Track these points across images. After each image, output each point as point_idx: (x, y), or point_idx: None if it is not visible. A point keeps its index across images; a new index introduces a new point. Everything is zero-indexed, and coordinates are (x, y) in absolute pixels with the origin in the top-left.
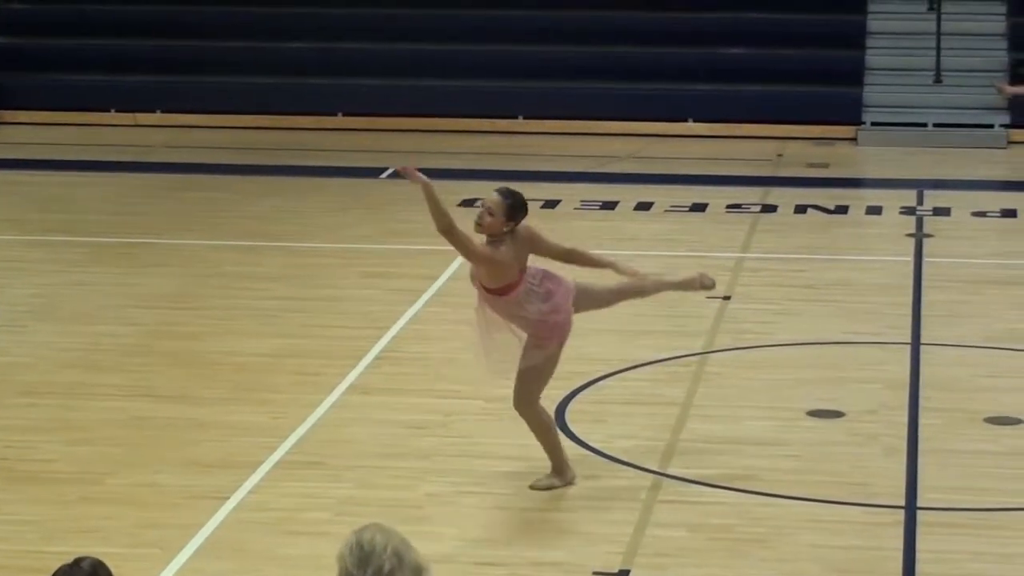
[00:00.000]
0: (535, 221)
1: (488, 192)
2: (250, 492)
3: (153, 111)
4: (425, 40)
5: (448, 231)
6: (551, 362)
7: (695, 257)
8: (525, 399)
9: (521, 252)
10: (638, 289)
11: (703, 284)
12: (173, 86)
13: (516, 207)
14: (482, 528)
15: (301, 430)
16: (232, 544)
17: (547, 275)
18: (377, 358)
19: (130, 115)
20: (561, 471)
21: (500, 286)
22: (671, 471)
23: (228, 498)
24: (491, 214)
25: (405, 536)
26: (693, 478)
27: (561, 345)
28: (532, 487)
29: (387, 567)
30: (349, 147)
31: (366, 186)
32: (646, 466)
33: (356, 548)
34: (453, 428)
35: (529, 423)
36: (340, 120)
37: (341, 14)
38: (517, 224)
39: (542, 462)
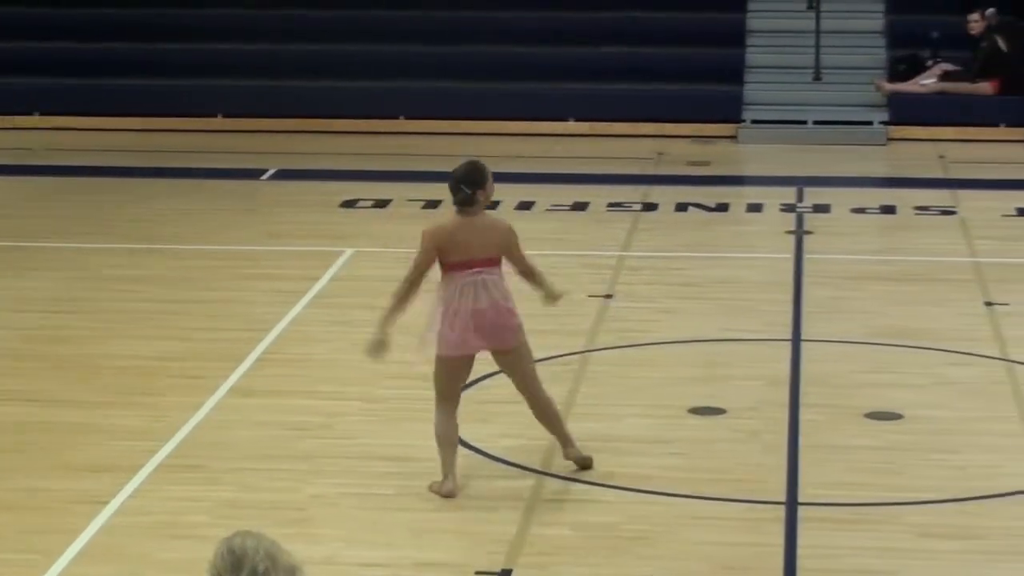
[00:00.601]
0: (422, 221)
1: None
2: (130, 496)
3: (31, 114)
4: (305, 40)
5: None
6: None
7: (576, 256)
8: None
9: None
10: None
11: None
12: (51, 88)
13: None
14: (365, 529)
15: (182, 433)
16: (112, 549)
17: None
18: (258, 360)
19: (7, 118)
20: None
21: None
22: (554, 470)
23: (108, 503)
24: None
25: (276, 540)
26: (576, 477)
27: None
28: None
29: (261, 568)
30: (230, 149)
31: (247, 188)
32: (529, 465)
33: (228, 554)
34: (335, 429)
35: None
36: (220, 122)
37: (218, 15)
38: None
39: (425, 463)
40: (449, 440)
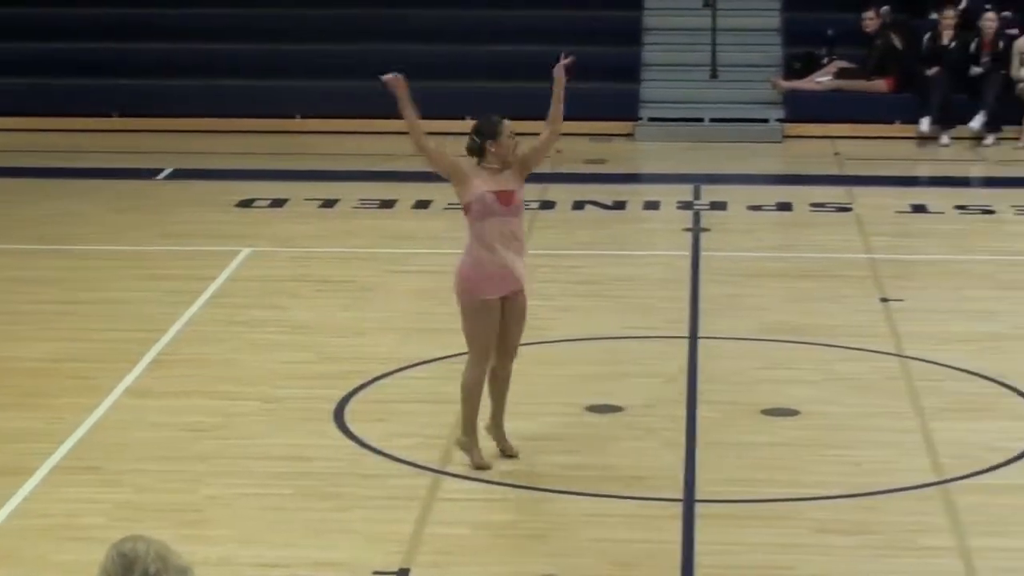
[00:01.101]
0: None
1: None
2: (26, 499)
3: None
4: (200, 39)
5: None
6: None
7: None
8: None
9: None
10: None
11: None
12: None
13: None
14: (262, 530)
15: (77, 435)
16: (7, 551)
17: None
18: (154, 361)
19: None
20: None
21: None
22: (451, 469)
23: (2, 506)
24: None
25: (166, 542)
26: (473, 475)
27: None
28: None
29: (152, 570)
30: (125, 148)
31: (142, 188)
32: (426, 464)
33: (118, 558)
34: (232, 430)
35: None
36: (115, 121)
37: (113, 13)
38: None
39: (322, 462)
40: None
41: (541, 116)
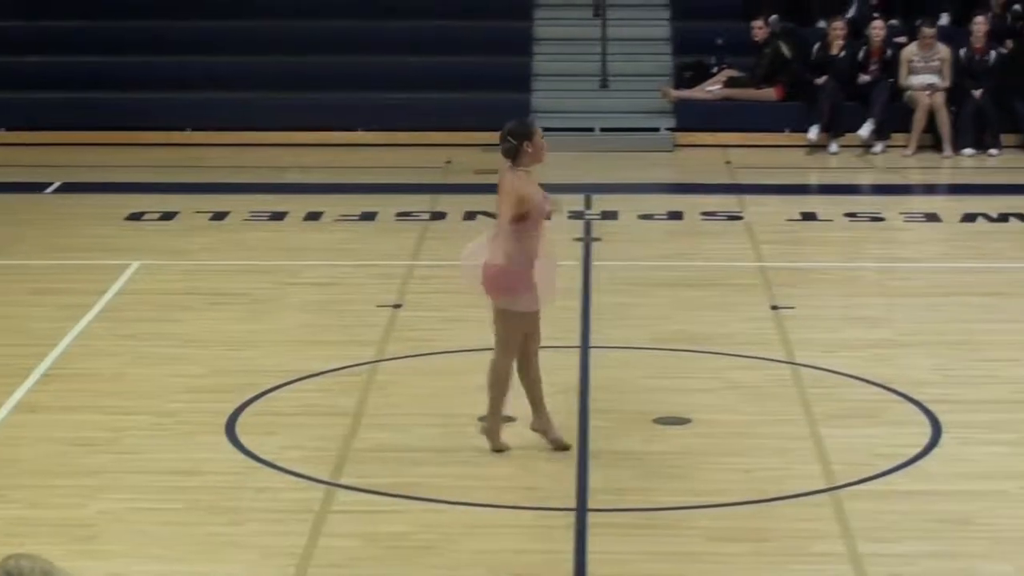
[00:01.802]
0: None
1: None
2: None
3: None
4: (90, 52)
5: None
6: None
7: (365, 266)
8: None
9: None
10: None
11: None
12: None
13: None
14: (154, 544)
15: None
16: None
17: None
18: (44, 376)
19: None
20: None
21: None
22: (344, 481)
23: None
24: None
25: (52, 560)
26: (366, 487)
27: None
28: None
29: None
30: (12, 162)
31: (30, 201)
32: (318, 476)
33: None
34: (123, 444)
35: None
36: (3, 135)
37: (3, 27)
38: None
39: (214, 476)
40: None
41: (434, 126)
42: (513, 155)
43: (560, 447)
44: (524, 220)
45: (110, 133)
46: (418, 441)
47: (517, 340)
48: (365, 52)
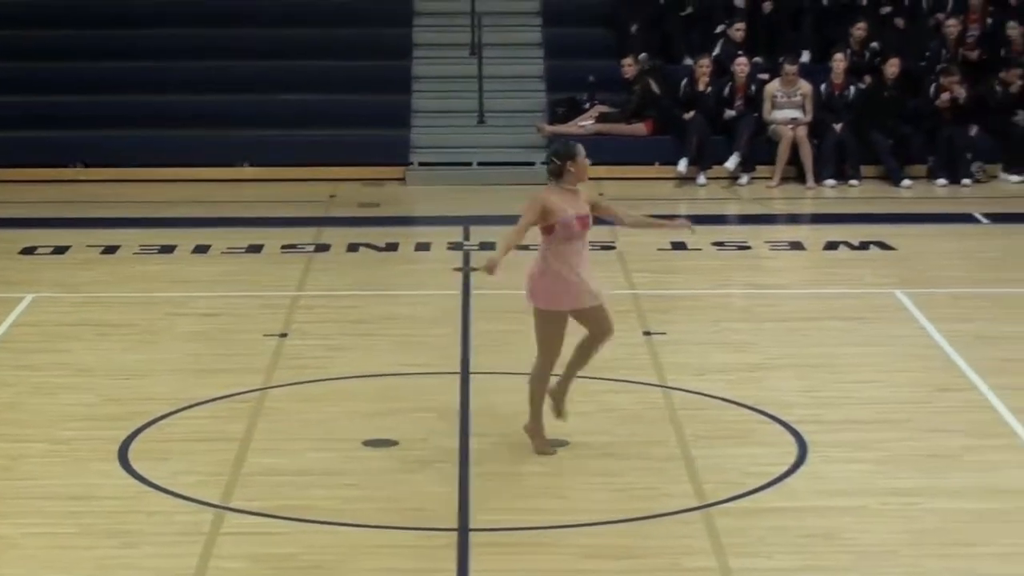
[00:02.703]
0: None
1: None
2: None
3: None
4: None
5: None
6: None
7: (252, 296)
8: None
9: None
10: None
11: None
12: None
13: None
14: (48, 569)
15: None
16: None
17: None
18: None
19: None
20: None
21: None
22: (233, 504)
23: None
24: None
25: None
26: (255, 510)
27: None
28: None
29: None
30: None
31: None
32: (208, 500)
33: None
34: (17, 471)
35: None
36: None
37: None
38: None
39: (108, 501)
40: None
41: (318, 162)
42: (558, 174)
43: (558, 415)
44: (551, 231)
45: (2, 170)
46: (305, 465)
47: (553, 346)
48: (251, 91)
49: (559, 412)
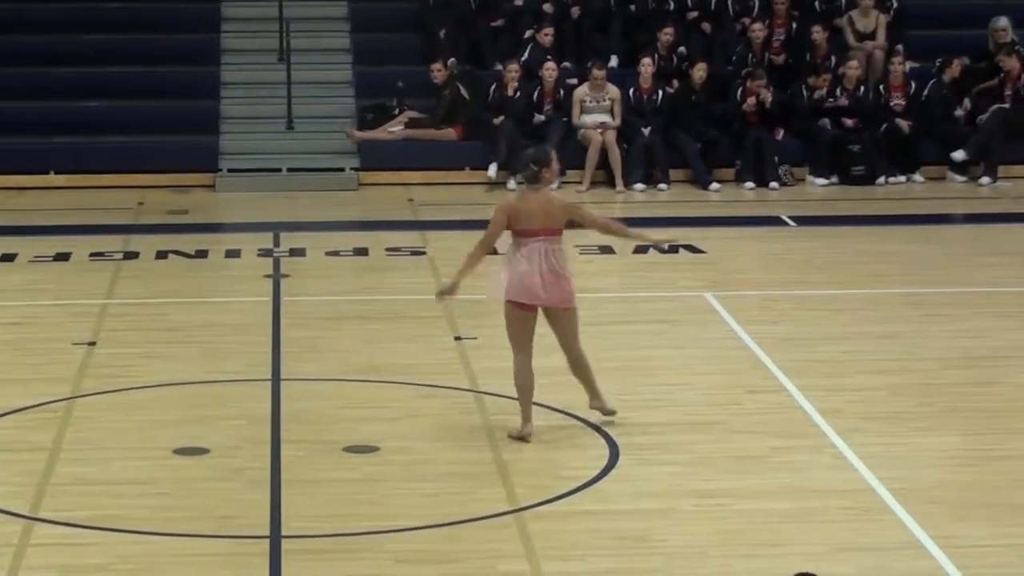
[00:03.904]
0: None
1: None
2: None
3: None
4: None
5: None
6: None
7: (60, 305)
8: None
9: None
10: None
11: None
12: None
13: None
14: None
15: None
16: None
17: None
18: None
19: None
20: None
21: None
22: (42, 514)
23: None
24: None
25: None
26: (65, 520)
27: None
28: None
29: None
30: None
31: None
32: (17, 511)
33: None
34: None
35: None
36: None
37: None
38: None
39: None
40: (526, 388)
41: (126, 169)
42: (535, 179)
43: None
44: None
45: None
46: (116, 474)
47: (516, 337)
48: (58, 98)
49: (604, 410)
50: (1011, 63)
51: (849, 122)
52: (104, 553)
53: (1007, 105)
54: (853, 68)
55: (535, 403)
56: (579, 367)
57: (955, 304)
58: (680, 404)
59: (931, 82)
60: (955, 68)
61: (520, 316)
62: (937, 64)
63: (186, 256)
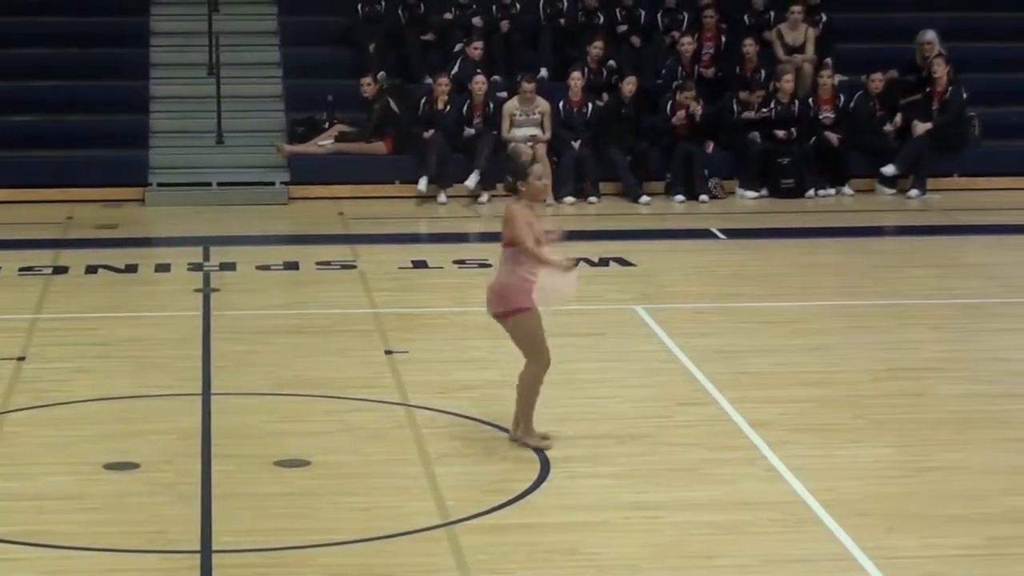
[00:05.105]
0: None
1: None
2: None
3: None
4: None
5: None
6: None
7: None
8: None
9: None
10: None
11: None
12: None
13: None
14: None
15: None
16: None
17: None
18: None
19: None
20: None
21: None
22: None
23: None
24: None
25: None
26: None
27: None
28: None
29: None
30: None
31: None
32: None
33: None
34: None
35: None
36: None
37: None
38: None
39: None
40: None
41: (55, 183)
42: (514, 191)
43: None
44: (516, 244)
45: None
46: (46, 489)
47: (541, 340)
48: None
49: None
50: (942, 71)
51: (781, 133)
52: (33, 568)
53: (935, 118)
54: (787, 82)
55: (466, 416)
56: (519, 387)
57: (885, 316)
58: (611, 417)
59: (857, 94)
60: (878, 82)
61: (539, 319)
62: (863, 78)
63: (116, 271)
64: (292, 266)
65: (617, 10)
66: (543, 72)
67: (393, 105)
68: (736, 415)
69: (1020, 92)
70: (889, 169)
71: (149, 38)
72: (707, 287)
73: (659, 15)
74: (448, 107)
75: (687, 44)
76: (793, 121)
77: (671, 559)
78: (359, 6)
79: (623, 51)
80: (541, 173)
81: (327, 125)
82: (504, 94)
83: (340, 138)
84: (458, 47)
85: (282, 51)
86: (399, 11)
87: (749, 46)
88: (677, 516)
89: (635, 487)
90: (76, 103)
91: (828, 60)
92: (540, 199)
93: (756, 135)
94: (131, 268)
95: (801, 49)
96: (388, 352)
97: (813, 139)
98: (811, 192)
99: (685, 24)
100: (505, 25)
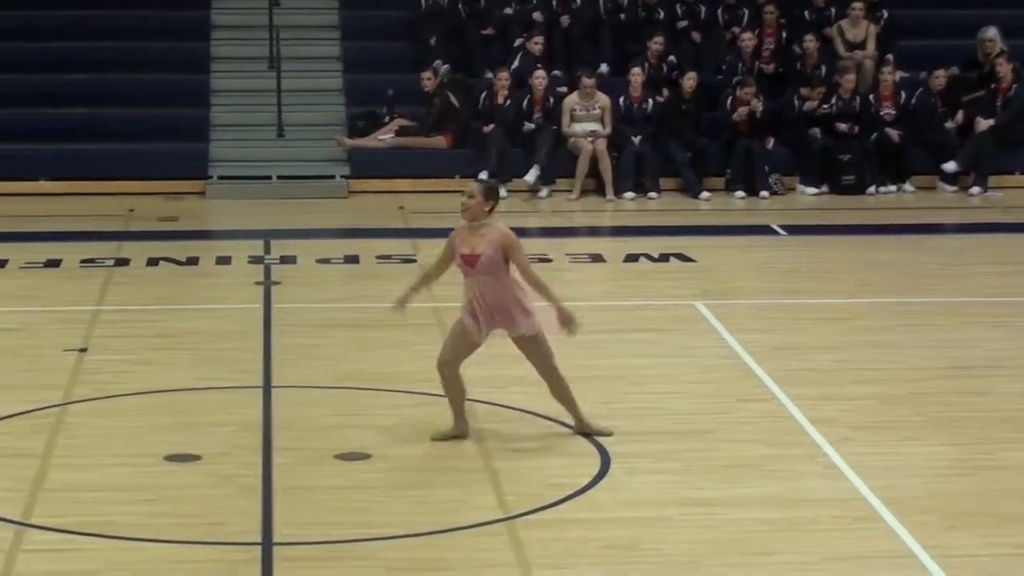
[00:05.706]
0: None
1: None
2: None
3: None
4: None
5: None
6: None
7: (51, 311)
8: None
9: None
10: None
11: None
12: None
13: (492, 190)
14: None
15: None
16: None
17: None
18: None
19: None
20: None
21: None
22: (34, 520)
23: None
24: (471, 197)
25: None
26: (56, 526)
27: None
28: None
29: None
30: None
31: None
32: (9, 517)
33: None
34: None
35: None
36: None
37: None
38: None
39: None
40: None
41: (117, 176)
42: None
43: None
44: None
45: None
46: (107, 480)
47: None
48: (49, 104)
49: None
50: (1006, 69)
51: (843, 127)
52: (95, 559)
53: (998, 115)
54: (848, 80)
55: (525, 411)
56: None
57: (945, 313)
58: (671, 413)
59: (918, 91)
60: (941, 79)
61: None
62: (923, 75)
63: (177, 263)
64: (352, 260)
65: (677, 5)
66: (603, 67)
67: (453, 99)
68: (796, 411)
69: None
70: (951, 165)
71: (210, 32)
72: (767, 283)
73: (719, 11)
74: (508, 102)
75: (747, 40)
76: (854, 117)
77: (730, 555)
78: (422, 0)
79: (683, 47)
80: (472, 192)
81: (387, 119)
82: (564, 89)
83: (400, 132)
84: (518, 42)
85: (343, 45)
86: (460, 5)
87: (809, 42)
88: (736, 512)
89: (694, 483)
90: (138, 96)
91: (889, 56)
92: (470, 215)
93: (817, 131)
94: (192, 261)
95: (862, 45)
96: None
97: (874, 135)
98: (872, 189)
99: (745, 20)
100: (565, 20)
